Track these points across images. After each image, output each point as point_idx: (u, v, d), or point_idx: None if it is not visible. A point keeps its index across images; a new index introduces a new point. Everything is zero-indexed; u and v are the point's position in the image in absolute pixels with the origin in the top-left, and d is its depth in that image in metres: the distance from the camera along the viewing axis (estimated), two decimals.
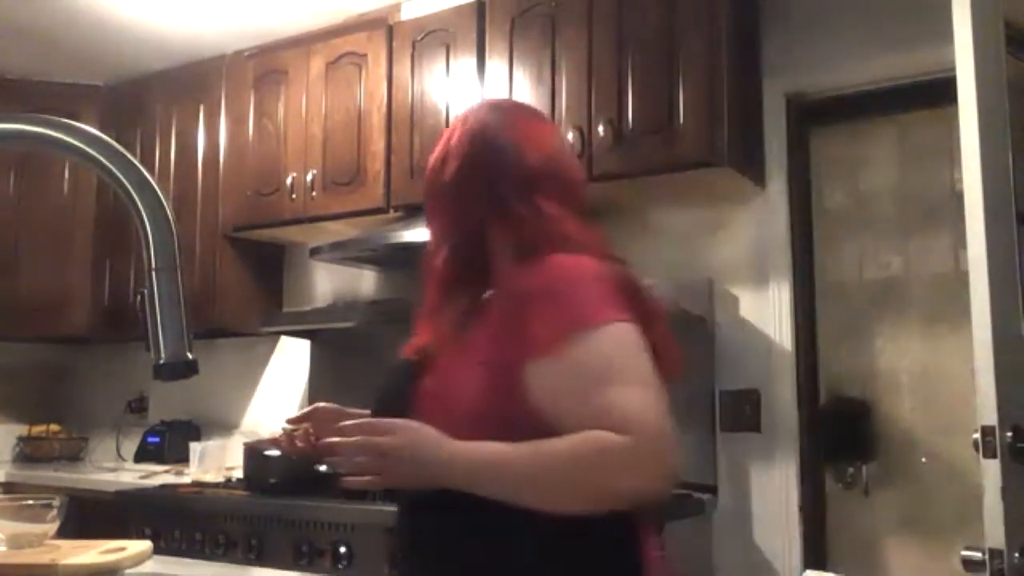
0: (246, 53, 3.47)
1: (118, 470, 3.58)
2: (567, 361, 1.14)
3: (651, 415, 1.09)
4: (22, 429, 3.98)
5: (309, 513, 2.57)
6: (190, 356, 0.89)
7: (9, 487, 3.37)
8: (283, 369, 3.67)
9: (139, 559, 1.48)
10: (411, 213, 3.00)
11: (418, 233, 2.83)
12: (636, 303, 1.20)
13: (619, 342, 1.15)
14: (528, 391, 1.16)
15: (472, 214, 1.33)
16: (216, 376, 3.63)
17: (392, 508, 2.36)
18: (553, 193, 1.31)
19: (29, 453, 3.93)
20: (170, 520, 2.79)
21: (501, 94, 2.82)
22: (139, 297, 0.89)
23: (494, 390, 1.19)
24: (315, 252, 3.13)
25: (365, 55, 3.16)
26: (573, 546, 1.17)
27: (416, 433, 1.16)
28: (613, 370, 1.13)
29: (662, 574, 1.26)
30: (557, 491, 1.12)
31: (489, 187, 1.32)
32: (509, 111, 1.44)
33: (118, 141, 0.91)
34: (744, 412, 2.69)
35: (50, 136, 0.89)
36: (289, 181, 3.25)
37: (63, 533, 1.53)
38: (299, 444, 1.41)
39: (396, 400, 1.29)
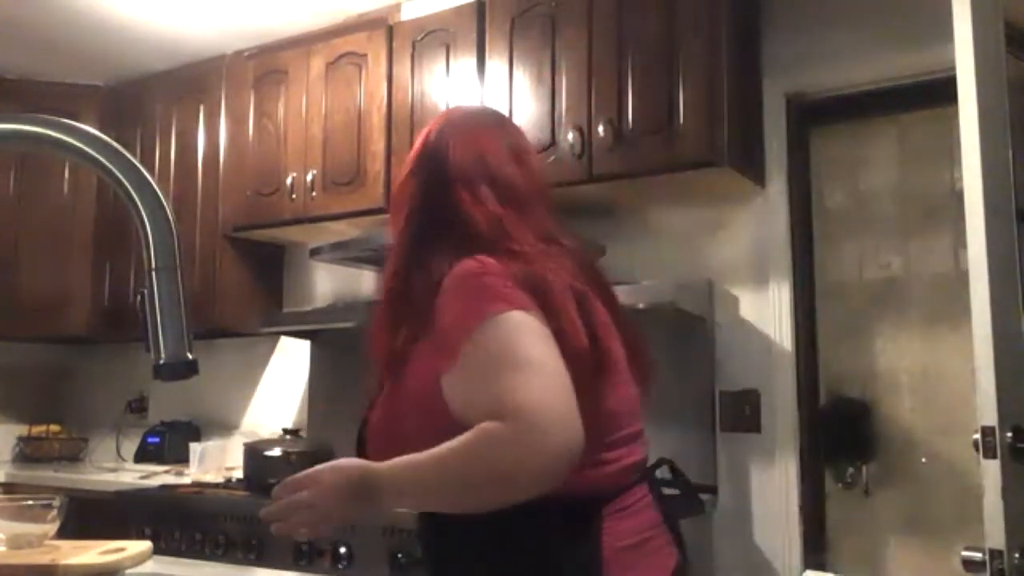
0: (246, 53, 3.47)
1: (118, 470, 3.58)
2: (464, 366, 1.16)
3: (534, 396, 1.09)
4: (22, 429, 3.98)
5: None
6: (190, 356, 0.89)
7: (9, 487, 3.36)
8: (283, 369, 3.67)
9: (139, 559, 1.48)
10: None
11: None
12: (540, 297, 1.20)
13: (507, 331, 1.15)
14: (449, 406, 1.18)
15: (412, 218, 1.37)
16: (216, 376, 3.63)
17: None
18: (488, 193, 1.33)
19: (29, 453, 3.93)
20: (170, 520, 2.79)
21: (501, 94, 2.82)
22: (139, 297, 0.89)
23: (426, 414, 1.21)
24: (315, 252, 3.13)
25: (365, 55, 3.16)
26: (520, 536, 1.18)
27: (334, 474, 1.20)
28: (501, 360, 1.13)
29: (624, 564, 1.22)
30: (463, 489, 1.13)
31: (424, 191, 1.37)
32: (456, 119, 1.47)
33: (118, 141, 0.91)
34: (744, 412, 2.69)
35: (50, 136, 0.89)
36: (289, 181, 3.25)
37: (63, 533, 1.53)
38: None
39: (361, 431, 1.34)
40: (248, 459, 2.95)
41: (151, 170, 2.95)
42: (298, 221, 3.28)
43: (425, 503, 1.22)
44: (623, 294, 2.79)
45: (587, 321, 1.24)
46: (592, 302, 1.28)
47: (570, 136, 2.66)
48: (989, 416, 1.45)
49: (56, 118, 0.89)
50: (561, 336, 1.17)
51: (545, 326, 1.17)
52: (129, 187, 0.88)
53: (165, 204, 0.89)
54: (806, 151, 2.80)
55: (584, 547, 1.19)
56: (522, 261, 1.24)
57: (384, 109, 3.08)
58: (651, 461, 1.38)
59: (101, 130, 0.98)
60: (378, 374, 1.33)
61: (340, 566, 2.47)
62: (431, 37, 3.02)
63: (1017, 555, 1.42)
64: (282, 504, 1.20)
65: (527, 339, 1.14)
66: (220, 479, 3.15)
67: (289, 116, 3.31)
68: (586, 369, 1.18)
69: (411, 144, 2.98)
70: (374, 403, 1.33)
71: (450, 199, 1.33)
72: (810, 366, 2.72)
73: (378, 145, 3.08)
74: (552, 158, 2.70)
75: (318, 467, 1.22)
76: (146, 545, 1.52)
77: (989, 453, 1.44)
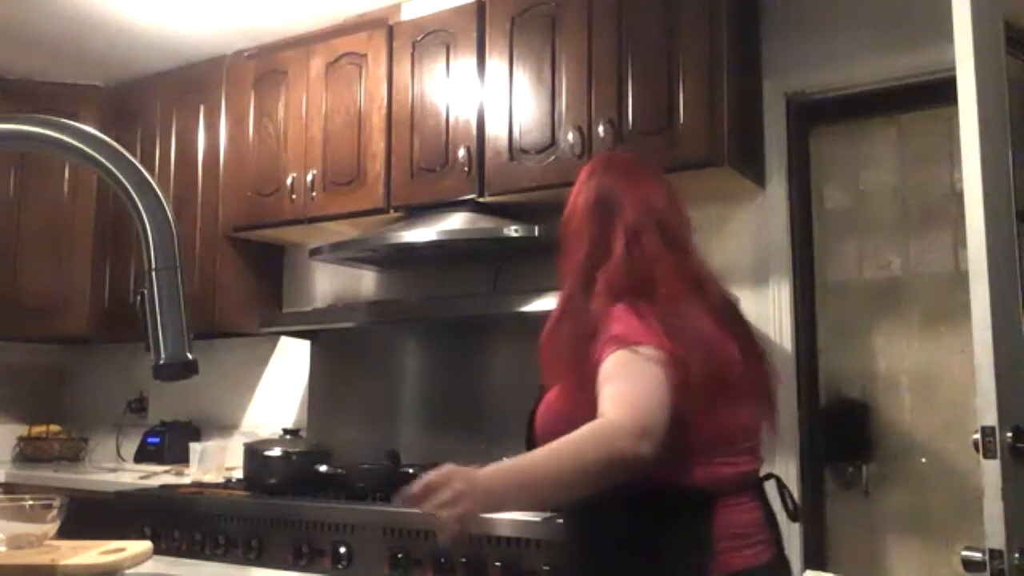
0: (246, 53, 3.47)
1: (118, 470, 3.58)
2: (601, 370, 1.48)
3: (619, 401, 1.41)
4: (22, 429, 3.99)
5: (309, 513, 2.57)
6: (190, 356, 0.89)
7: (9, 487, 3.36)
8: (283, 369, 3.67)
9: (139, 559, 1.48)
10: (411, 213, 3.00)
11: (418, 234, 2.83)
12: (673, 330, 1.50)
13: (631, 357, 1.46)
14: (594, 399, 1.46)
15: (589, 258, 1.65)
16: (216, 376, 3.63)
17: (389, 509, 2.39)
18: (654, 239, 1.64)
19: (29, 453, 3.93)
20: (170, 520, 2.79)
21: (501, 94, 2.82)
22: (139, 297, 0.89)
23: (576, 407, 1.49)
24: (315, 252, 3.13)
25: (365, 55, 3.16)
26: (652, 513, 1.49)
27: (471, 471, 1.38)
28: (614, 375, 1.45)
29: (728, 547, 1.49)
30: (571, 471, 1.39)
31: (600, 236, 1.66)
32: (621, 170, 1.75)
33: (118, 141, 0.91)
34: None
35: (50, 136, 0.89)
36: (289, 181, 3.25)
37: (63, 533, 1.52)
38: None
39: (531, 420, 1.65)
40: (248, 459, 2.95)
41: (151, 170, 2.95)
42: (298, 221, 3.28)
43: (540, 490, 1.44)
44: None
45: (711, 356, 1.53)
46: (722, 340, 1.58)
47: (570, 136, 2.65)
48: (989, 416, 1.45)
49: (56, 118, 0.90)
50: (680, 367, 1.45)
51: (670, 360, 1.45)
52: (129, 187, 0.88)
53: (165, 204, 0.89)
54: (806, 151, 2.80)
55: (700, 526, 1.49)
56: (665, 303, 1.55)
57: (384, 109, 3.08)
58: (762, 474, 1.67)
59: (101, 130, 0.98)
60: (544, 374, 1.65)
61: (340, 566, 2.47)
62: (431, 37, 3.02)
63: (1017, 555, 1.42)
64: (436, 495, 1.34)
65: (645, 365, 1.45)
66: (220, 479, 3.15)
67: (289, 116, 3.31)
68: (701, 394, 1.47)
69: (411, 144, 3.02)
70: (543, 398, 1.63)
71: (618, 244, 1.63)
72: (810, 366, 2.72)
73: (378, 145, 3.07)
74: (552, 158, 2.70)
75: (441, 470, 1.37)
76: (146, 545, 1.52)
77: (989, 453, 1.44)
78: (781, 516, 1.66)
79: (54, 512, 1.49)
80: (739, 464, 1.57)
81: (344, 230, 3.24)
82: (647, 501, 1.47)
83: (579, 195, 1.73)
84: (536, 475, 1.40)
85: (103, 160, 0.88)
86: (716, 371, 1.53)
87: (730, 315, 1.66)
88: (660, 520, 1.50)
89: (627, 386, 1.43)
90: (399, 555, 2.39)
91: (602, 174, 1.73)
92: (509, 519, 2.26)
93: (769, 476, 1.68)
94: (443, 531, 1.34)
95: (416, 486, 1.35)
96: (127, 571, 1.44)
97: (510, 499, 1.46)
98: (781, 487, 1.71)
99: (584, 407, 1.45)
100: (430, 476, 1.35)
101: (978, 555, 1.45)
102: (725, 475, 1.53)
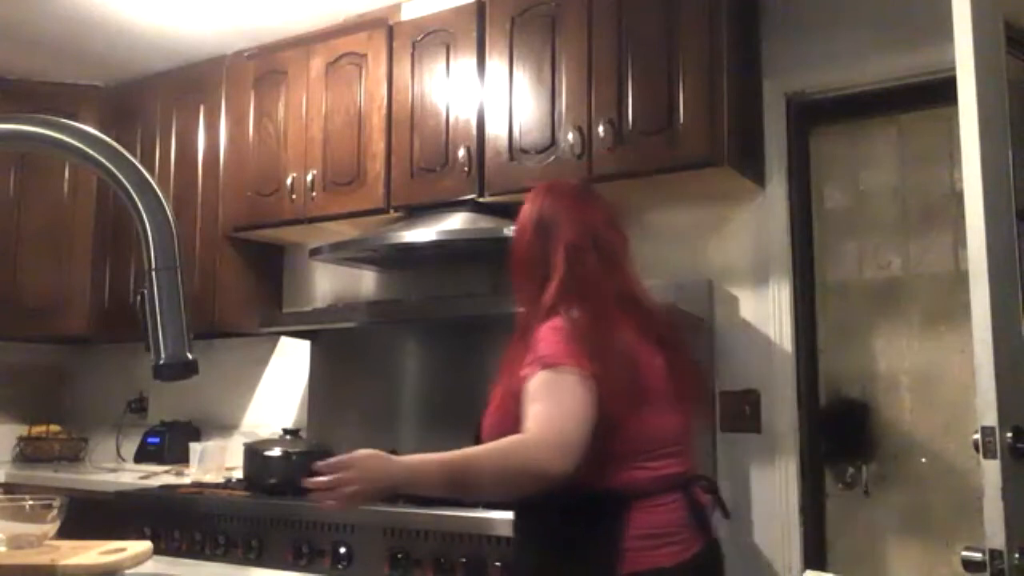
0: (246, 53, 3.47)
1: (118, 470, 3.58)
2: (527, 388, 1.62)
3: (542, 420, 1.56)
4: (22, 429, 3.98)
5: (309, 513, 2.57)
6: (190, 356, 0.89)
7: (9, 487, 3.36)
8: (283, 369, 3.67)
9: (139, 559, 1.48)
10: (411, 213, 3.00)
11: (418, 234, 2.83)
12: (596, 349, 1.64)
13: (554, 378, 1.61)
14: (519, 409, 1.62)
15: (532, 277, 1.80)
16: (216, 376, 3.63)
17: (389, 509, 2.39)
18: (591, 257, 1.77)
19: (29, 453, 3.93)
20: (170, 520, 2.79)
21: (501, 94, 2.82)
22: (139, 297, 0.89)
23: (506, 413, 1.65)
24: (315, 252, 3.13)
25: (365, 55, 3.16)
26: (569, 523, 1.63)
27: (367, 460, 1.62)
28: (538, 395, 1.60)
29: (638, 547, 1.61)
30: (484, 477, 1.60)
31: (542, 255, 1.79)
32: (562, 194, 1.88)
33: (118, 141, 0.91)
34: (744, 412, 2.69)
35: (50, 136, 0.89)
36: (289, 181, 3.25)
37: (63, 533, 1.52)
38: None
39: (478, 426, 1.77)
40: (248, 459, 2.95)
41: (151, 170, 2.95)
42: (298, 221, 3.28)
43: (447, 486, 1.66)
44: None
45: (634, 369, 1.67)
46: (647, 353, 1.71)
47: (570, 136, 2.65)
48: (989, 416, 1.44)
49: (56, 118, 0.90)
50: (601, 384, 1.59)
51: (589, 379, 1.59)
52: (129, 187, 0.88)
53: (165, 204, 0.89)
54: (806, 151, 2.80)
55: (612, 527, 1.61)
56: (597, 316, 1.69)
57: (384, 109, 3.08)
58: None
59: (101, 130, 0.98)
60: (498, 380, 1.77)
61: (340, 566, 2.47)
62: (431, 37, 3.02)
63: (1017, 555, 1.42)
64: (330, 481, 1.58)
65: (568, 388, 1.59)
66: (220, 479, 3.15)
67: (289, 116, 3.31)
68: (621, 406, 1.61)
69: (411, 144, 3.02)
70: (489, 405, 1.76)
71: (558, 261, 1.76)
72: (810, 366, 2.72)
73: (378, 145, 3.08)
74: (552, 158, 2.70)
75: (352, 454, 1.62)
76: (146, 545, 1.52)
77: (989, 453, 1.44)
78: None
79: (54, 512, 1.49)
80: (659, 468, 1.67)
81: (344, 230, 3.24)
82: (571, 504, 1.61)
83: (524, 217, 1.87)
84: (466, 472, 1.60)
85: (103, 160, 0.88)
86: (638, 383, 1.66)
87: (661, 329, 1.78)
88: (579, 521, 1.63)
89: (549, 406, 1.57)
90: (399, 555, 2.40)
91: (544, 197, 1.87)
92: (509, 519, 2.26)
93: (700, 478, 1.78)
94: (327, 503, 1.60)
95: (323, 466, 1.60)
96: (127, 571, 1.44)
97: (433, 485, 1.65)
98: (712, 488, 1.81)
99: (512, 419, 1.61)
100: (339, 459, 1.61)
101: (978, 555, 1.44)
102: (641, 479, 1.65)
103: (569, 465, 1.52)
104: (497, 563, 2.26)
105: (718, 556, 1.74)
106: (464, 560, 2.30)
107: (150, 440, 3.77)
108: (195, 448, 3.30)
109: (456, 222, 2.81)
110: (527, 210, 1.87)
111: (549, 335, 1.66)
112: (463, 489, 1.71)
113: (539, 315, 1.72)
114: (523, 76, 2.80)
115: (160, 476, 3.35)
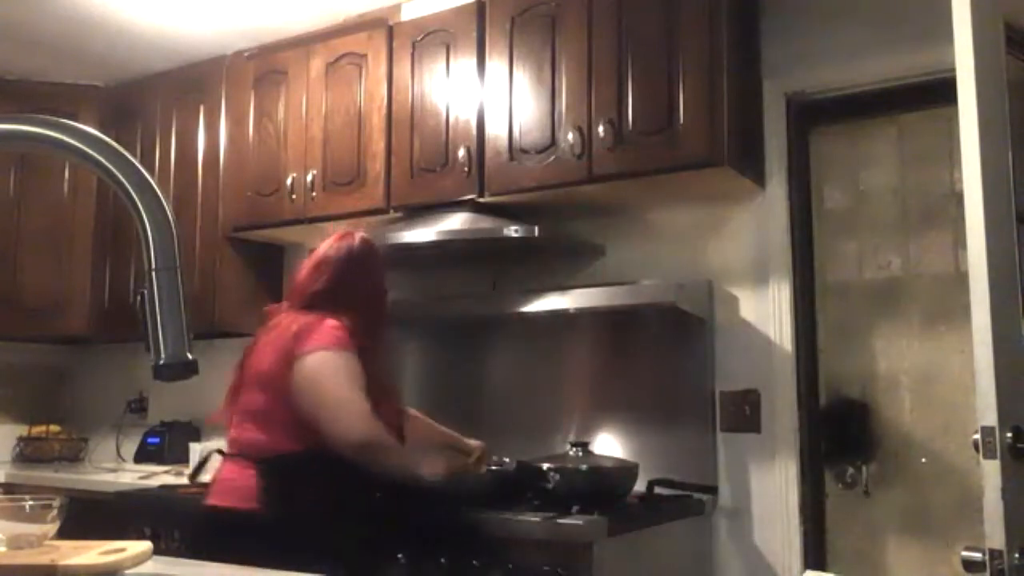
0: (246, 53, 3.47)
1: (118, 471, 3.58)
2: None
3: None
4: (22, 429, 3.98)
5: None
6: (190, 356, 0.89)
7: (9, 487, 3.36)
8: None
9: (139, 560, 1.47)
10: (411, 214, 3.00)
11: (418, 234, 2.83)
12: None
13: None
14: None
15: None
16: (216, 376, 3.59)
17: None
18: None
19: (29, 454, 3.93)
20: (170, 520, 2.78)
21: (501, 94, 2.82)
22: (139, 297, 0.89)
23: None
24: None
25: (365, 55, 3.16)
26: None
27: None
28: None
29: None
30: None
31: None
32: (364, 251, 2.37)
33: (118, 141, 0.91)
34: (744, 412, 2.69)
35: (50, 136, 0.89)
36: (289, 182, 3.25)
37: (63, 533, 1.52)
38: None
39: None
40: None
41: (151, 170, 2.95)
42: (298, 221, 3.28)
43: None
44: (623, 294, 2.80)
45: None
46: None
47: (570, 136, 2.65)
48: (989, 416, 1.45)
49: (56, 118, 0.90)
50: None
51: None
52: (129, 188, 0.88)
53: (165, 204, 0.89)
54: (806, 151, 2.80)
55: None
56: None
57: (384, 109, 3.08)
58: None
59: (101, 130, 0.98)
60: None
61: None
62: (431, 37, 3.02)
63: (1017, 555, 1.42)
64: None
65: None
66: None
67: (289, 116, 3.31)
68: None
69: (411, 144, 3.02)
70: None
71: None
72: (810, 366, 2.72)
73: (378, 145, 3.07)
74: (552, 158, 2.70)
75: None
76: (146, 545, 1.52)
77: (989, 453, 1.44)
78: None
79: (54, 512, 1.49)
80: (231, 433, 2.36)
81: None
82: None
83: (330, 249, 2.33)
84: None
85: (103, 160, 0.88)
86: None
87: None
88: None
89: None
90: (399, 555, 2.39)
91: (351, 243, 2.35)
92: (510, 519, 2.26)
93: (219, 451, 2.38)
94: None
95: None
96: (127, 571, 1.44)
97: None
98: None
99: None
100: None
101: (978, 555, 1.45)
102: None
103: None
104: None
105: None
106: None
107: (150, 440, 3.77)
108: (195, 448, 3.29)
109: (456, 222, 2.81)
110: (334, 245, 2.36)
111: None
112: None
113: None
114: (523, 76, 2.80)
115: (160, 476, 3.35)
